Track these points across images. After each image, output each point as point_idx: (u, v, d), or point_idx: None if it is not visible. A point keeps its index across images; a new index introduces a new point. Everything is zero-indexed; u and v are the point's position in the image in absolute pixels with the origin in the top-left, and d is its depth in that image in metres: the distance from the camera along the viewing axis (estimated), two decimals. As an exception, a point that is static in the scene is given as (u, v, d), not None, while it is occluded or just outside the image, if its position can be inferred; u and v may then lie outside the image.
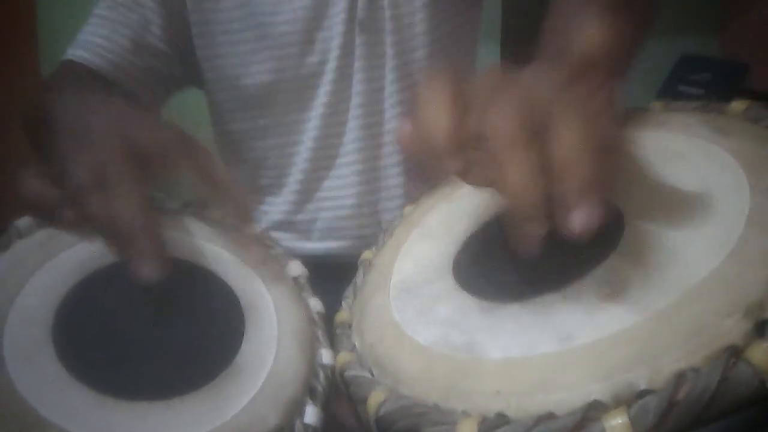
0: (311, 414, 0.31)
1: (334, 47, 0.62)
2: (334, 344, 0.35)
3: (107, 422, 0.27)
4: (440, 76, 0.30)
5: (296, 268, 0.40)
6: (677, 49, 1.61)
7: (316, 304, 0.38)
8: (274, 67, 0.63)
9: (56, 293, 0.31)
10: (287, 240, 0.68)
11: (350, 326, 0.36)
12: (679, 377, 0.22)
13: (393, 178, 0.65)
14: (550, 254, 0.31)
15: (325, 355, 0.34)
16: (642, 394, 0.23)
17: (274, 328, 0.34)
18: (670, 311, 0.25)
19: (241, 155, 0.68)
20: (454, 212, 0.40)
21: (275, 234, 0.68)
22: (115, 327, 0.31)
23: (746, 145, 0.31)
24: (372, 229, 0.66)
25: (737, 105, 0.34)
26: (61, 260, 0.33)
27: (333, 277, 0.42)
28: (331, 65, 0.62)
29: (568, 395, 0.24)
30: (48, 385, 0.27)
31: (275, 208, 0.68)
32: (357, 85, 0.63)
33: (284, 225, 0.68)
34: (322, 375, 0.33)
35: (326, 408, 0.32)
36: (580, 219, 0.26)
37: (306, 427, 0.30)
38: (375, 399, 0.29)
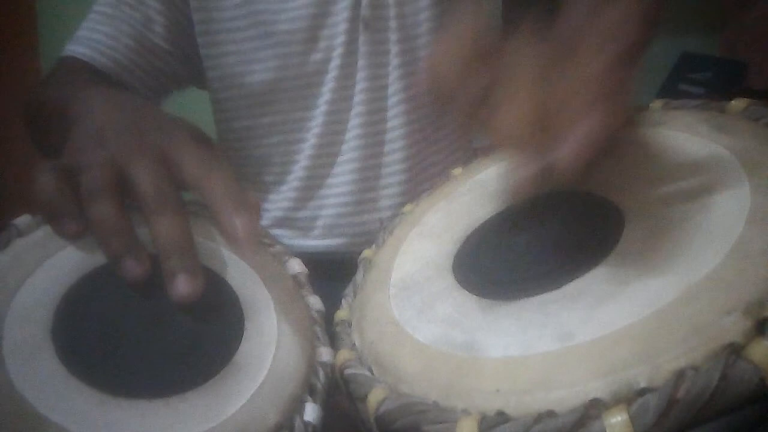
0: (311, 411, 0.31)
1: (337, 45, 0.62)
2: (333, 342, 0.35)
3: (107, 420, 0.27)
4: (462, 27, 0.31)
5: (296, 266, 0.39)
6: (678, 47, 1.62)
7: (315, 302, 0.38)
8: (277, 65, 0.63)
9: (56, 291, 0.31)
10: (288, 237, 0.68)
11: (350, 324, 0.36)
12: (679, 375, 0.22)
13: (394, 175, 0.65)
14: (550, 253, 0.31)
15: (325, 353, 0.34)
16: (642, 392, 0.23)
17: (273, 326, 0.34)
18: (670, 309, 0.25)
19: (244, 153, 0.68)
20: (454, 211, 0.40)
21: (276, 231, 0.68)
22: (115, 325, 0.31)
23: (746, 143, 0.31)
24: (372, 226, 0.66)
25: (737, 103, 0.34)
26: (60, 258, 0.33)
27: (333, 275, 0.42)
28: (334, 63, 0.62)
29: (568, 393, 0.24)
30: (47, 383, 0.27)
31: (276, 205, 0.68)
32: (360, 83, 0.63)
33: (285, 222, 0.68)
34: (321, 373, 0.33)
35: (326, 405, 0.32)
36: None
37: (306, 424, 0.30)
38: (375, 397, 0.29)
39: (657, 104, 0.37)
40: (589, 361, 0.25)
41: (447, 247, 0.36)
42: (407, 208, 0.44)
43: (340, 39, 0.62)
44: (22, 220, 0.34)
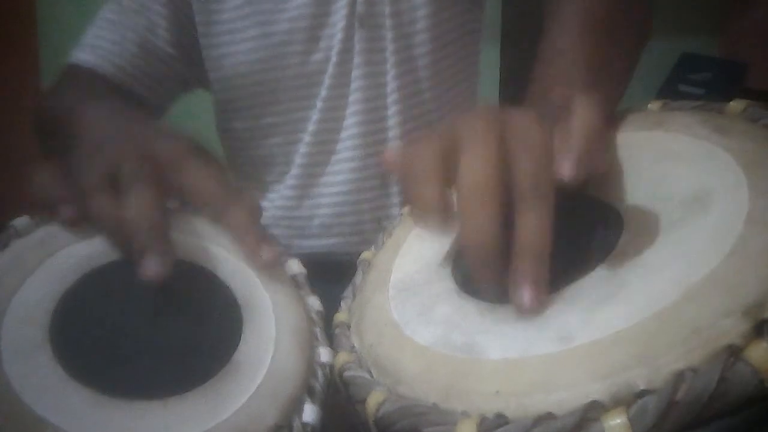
0: (310, 412, 0.31)
1: (336, 43, 0.62)
2: (332, 344, 0.35)
3: (104, 421, 0.27)
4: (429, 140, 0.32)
5: (294, 267, 0.39)
6: (677, 48, 1.62)
7: (314, 302, 0.38)
8: (277, 66, 0.63)
9: (54, 292, 0.31)
10: (285, 237, 0.68)
11: (349, 326, 0.36)
12: (678, 377, 0.22)
13: (392, 175, 0.65)
14: (550, 254, 0.31)
15: (324, 354, 0.34)
16: (641, 394, 0.23)
17: (272, 326, 0.34)
18: (669, 311, 0.25)
19: (245, 153, 0.68)
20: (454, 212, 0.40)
21: (272, 231, 0.68)
22: (113, 326, 0.31)
23: (746, 144, 0.30)
24: (370, 226, 0.65)
25: (736, 104, 0.33)
26: (59, 259, 0.33)
27: (332, 276, 0.42)
28: (332, 61, 0.62)
29: (567, 395, 0.24)
30: (45, 384, 0.27)
31: (274, 204, 0.68)
32: (356, 81, 0.63)
33: (282, 221, 0.68)
34: (320, 373, 0.33)
35: (325, 406, 0.32)
36: (522, 297, 0.28)
37: (304, 425, 0.30)
38: (374, 399, 0.29)
39: (656, 105, 0.37)
40: (588, 363, 0.25)
41: (446, 248, 0.36)
42: (406, 209, 0.44)
43: (338, 37, 0.61)
44: (21, 221, 0.34)
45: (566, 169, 0.30)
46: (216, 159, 0.39)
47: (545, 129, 0.31)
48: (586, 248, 0.30)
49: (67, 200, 0.34)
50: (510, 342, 0.28)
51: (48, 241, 0.34)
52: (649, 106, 0.38)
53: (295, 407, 0.31)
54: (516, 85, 0.38)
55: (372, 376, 0.31)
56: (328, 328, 0.37)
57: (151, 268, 0.31)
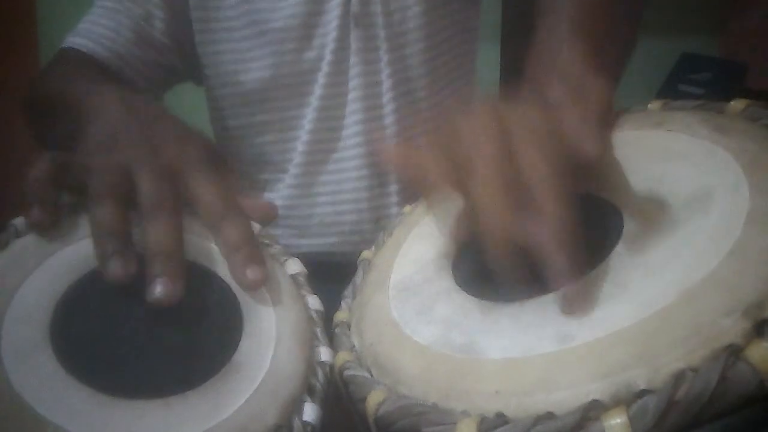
0: (310, 412, 0.31)
1: (330, 42, 0.62)
2: (333, 344, 0.35)
3: (105, 420, 0.27)
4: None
5: (294, 266, 0.39)
6: (677, 48, 1.62)
7: (314, 302, 0.38)
8: (272, 63, 0.63)
9: (54, 291, 0.31)
10: (284, 236, 0.68)
11: (349, 326, 0.36)
12: (678, 377, 0.22)
13: (391, 174, 0.65)
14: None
15: (324, 353, 0.34)
16: (641, 393, 0.23)
17: (272, 326, 0.34)
18: (669, 311, 0.25)
19: (239, 151, 0.68)
20: (454, 211, 0.40)
21: (272, 230, 0.68)
22: (114, 325, 0.31)
23: (746, 144, 0.30)
24: (370, 225, 0.65)
25: (737, 104, 0.34)
26: (59, 258, 0.33)
27: (332, 276, 0.42)
28: (327, 60, 0.62)
29: (567, 395, 0.24)
30: (45, 383, 0.27)
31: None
32: (353, 80, 0.63)
33: (281, 220, 0.68)
34: (320, 373, 0.33)
35: (325, 406, 0.32)
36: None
37: (305, 424, 0.30)
38: (374, 399, 0.29)
39: (656, 105, 0.37)
40: (588, 363, 0.25)
41: (446, 248, 0.36)
42: (407, 209, 0.44)
43: (332, 36, 0.62)
44: (22, 220, 0.34)
45: (588, 147, 0.29)
46: (226, 164, 0.39)
47: (546, 117, 0.31)
48: (587, 247, 0.30)
49: (40, 202, 0.34)
50: (510, 341, 0.28)
51: (48, 241, 0.34)
52: (649, 105, 0.38)
53: (296, 406, 0.31)
54: (516, 85, 0.38)
55: (372, 376, 0.31)
56: (329, 328, 0.37)
57: (163, 293, 0.31)
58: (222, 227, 0.36)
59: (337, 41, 0.62)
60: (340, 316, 0.37)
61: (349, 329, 0.36)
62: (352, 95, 0.63)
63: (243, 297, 0.35)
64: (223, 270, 0.36)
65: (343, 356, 0.33)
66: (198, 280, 0.35)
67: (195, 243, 0.37)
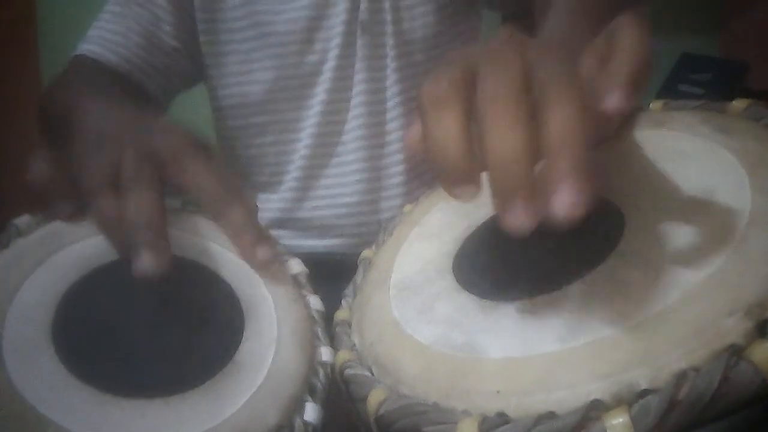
0: (311, 411, 0.31)
1: (333, 47, 0.63)
2: (333, 343, 0.35)
3: (106, 420, 0.27)
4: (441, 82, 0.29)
5: (296, 266, 0.39)
6: (677, 48, 1.61)
7: (315, 302, 0.38)
8: (274, 66, 0.64)
9: (56, 291, 0.31)
10: (286, 237, 0.68)
11: (350, 325, 0.36)
12: (680, 377, 0.22)
13: (394, 177, 0.66)
14: (551, 253, 0.31)
15: (325, 353, 0.34)
16: (643, 393, 0.23)
17: (273, 325, 0.34)
18: (671, 310, 0.25)
19: (240, 152, 0.69)
20: (455, 211, 0.40)
21: (273, 231, 0.68)
22: (115, 325, 0.31)
23: (747, 144, 0.30)
24: (371, 227, 0.66)
25: (738, 104, 0.34)
26: (60, 258, 0.33)
27: (332, 275, 0.42)
28: (330, 65, 0.63)
29: (568, 395, 0.24)
30: (47, 382, 0.27)
31: (272, 205, 0.69)
32: (358, 85, 0.63)
33: (282, 222, 0.68)
34: (321, 373, 0.33)
35: (326, 405, 0.32)
36: (563, 201, 0.23)
37: (306, 424, 0.30)
38: (375, 398, 0.29)
39: (657, 105, 0.37)
40: (589, 363, 0.25)
41: (447, 247, 0.36)
42: (407, 208, 0.44)
43: (336, 41, 0.62)
44: (23, 219, 0.34)
45: (614, 100, 0.25)
46: (216, 154, 0.39)
47: (570, 53, 0.28)
48: (588, 247, 0.30)
49: (64, 195, 0.34)
50: (511, 341, 0.28)
51: (49, 240, 0.34)
52: (650, 106, 0.38)
53: (297, 406, 0.31)
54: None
55: (373, 375, 0.31)
56: (329, 328, 0.37)
57: (145, 264, 0.31)
58: (226, 210, 0.36)
59: (341, 47, 0.62)
60: (341, 315, 0.37)
61: (350, 328, 0.36)
62: (355, 100, 0.64)
63: (244, 297, 0.35)
64: (224, 269, 0.36)
65: (344, 355, 0.33)
66: (199, 280, 0.35)
67: (196, 243, 0.37)
